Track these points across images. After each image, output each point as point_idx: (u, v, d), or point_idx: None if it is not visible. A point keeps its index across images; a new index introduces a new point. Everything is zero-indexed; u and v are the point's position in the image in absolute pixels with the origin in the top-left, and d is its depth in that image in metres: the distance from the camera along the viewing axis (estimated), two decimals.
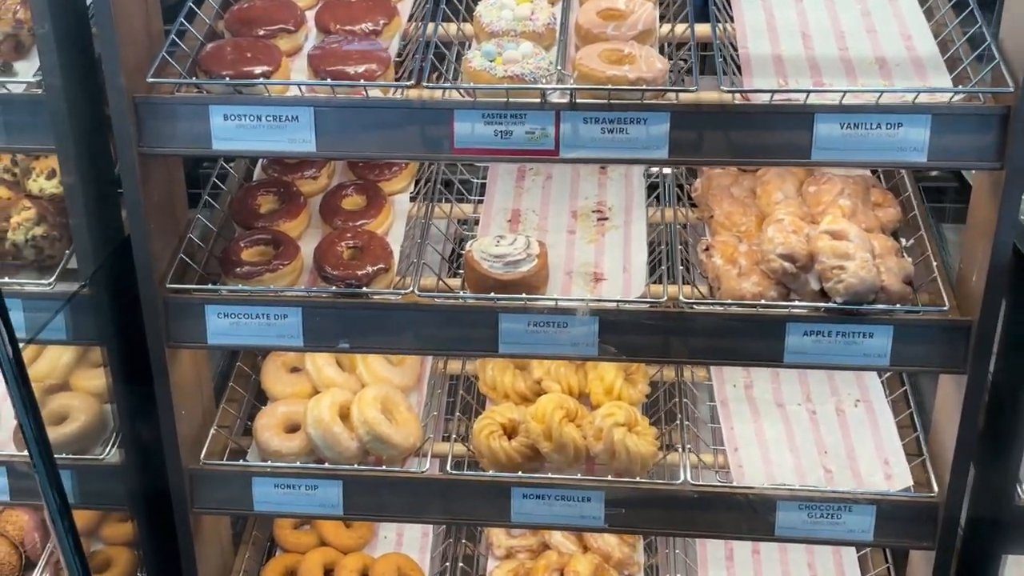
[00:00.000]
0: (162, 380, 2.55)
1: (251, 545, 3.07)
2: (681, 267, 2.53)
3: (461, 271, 2.61)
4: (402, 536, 3.13)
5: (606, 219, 2.76)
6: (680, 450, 2.68)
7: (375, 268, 2.50)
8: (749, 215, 2.59)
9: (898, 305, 2.34)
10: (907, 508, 2.54)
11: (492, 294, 2.43)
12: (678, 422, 2.76)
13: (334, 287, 2.48)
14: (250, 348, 2.90)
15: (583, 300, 2.42)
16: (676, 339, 2.42)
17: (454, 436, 2.76)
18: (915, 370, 2.69)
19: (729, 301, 2.39)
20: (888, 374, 2.89)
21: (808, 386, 2.91)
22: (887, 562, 2.92)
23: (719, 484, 2.59)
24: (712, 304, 2.40)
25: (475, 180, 2.94)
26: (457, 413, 2.85)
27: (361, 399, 2.71)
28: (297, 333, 2.50)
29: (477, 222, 2.79)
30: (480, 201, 2.86)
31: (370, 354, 2.81)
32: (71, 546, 2.45)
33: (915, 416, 2.74)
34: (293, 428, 2.79)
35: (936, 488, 2.53)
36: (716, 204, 2.63)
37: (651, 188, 2.83)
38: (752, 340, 2.40)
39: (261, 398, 2.93)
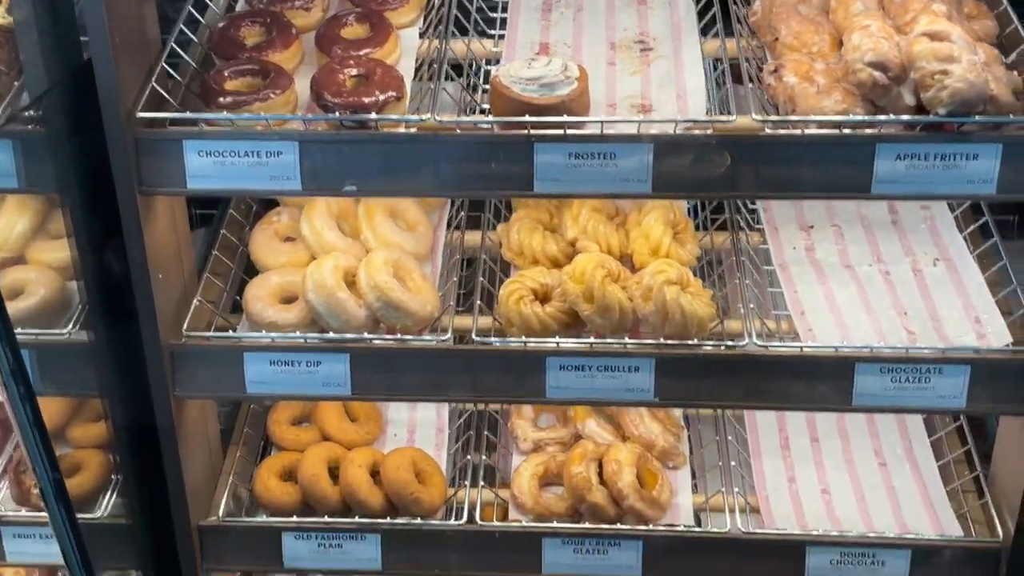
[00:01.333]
0: (134, 237, 2.15)
1: (242, 445, 2.69)
2: (749, 85, 2.16)
3: (486, 107, 2.23)
4: (414, 433, 2.76)
5: (650, 49, 2.37)
6: (742, 310, 2.32)
7: (385, 96, 2.11)
8: (822, 33, 2.21)
9: (1011, 116, 1.99)
10: (1008, 367, 2.20)
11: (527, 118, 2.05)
12: (737, 281, 2.40)
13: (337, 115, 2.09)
14: (237, 193, 2.52)
15: (636, 120, 2.04)
16: (746, 168, 2.04)
17: (478, 304, 2.39)
18: None
19: (810, 118, 2.02)
20: (971, 228, 2.54)
21: (877, 246, 2.55)
22: (965, 444, 2.59)
23: (790, 344, 2.24)
24: (789, 124, 2.03)
25: (495, 15, 2.55)
26: (481, 279, 2.47)
27: (370, 263, 2.33)
28: (294, 174, 2.10)
29: (498, 60, 2.41)
30: (502, 36, 2.48)
31: (381, 196, 2.43)
32: (36, 439, 2.07)
33: (1009, 271, 2.39)
34: (289, 299, 2.41)
35: None
36: (782, 23, 2.25)
37: (699, 15, 2.45)
38: (834, 167, 2.02)
39: (251, 272, 2.54)
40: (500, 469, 2.69)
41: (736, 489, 2.51)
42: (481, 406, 2.77)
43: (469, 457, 2.64)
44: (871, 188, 2.03)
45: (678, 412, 2.73)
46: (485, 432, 2.70)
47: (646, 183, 2.07)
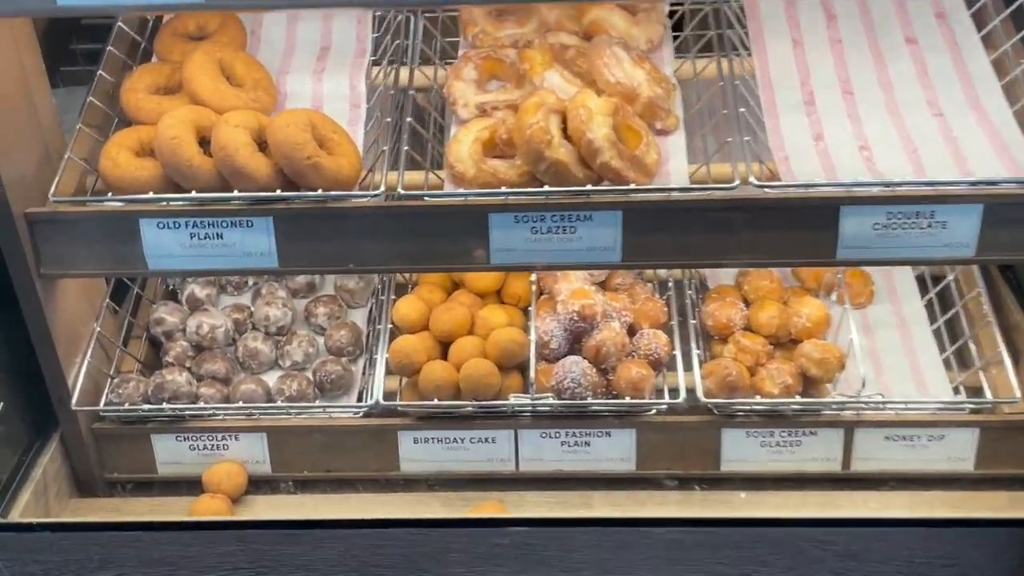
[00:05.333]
0: None
1: (93, 127, 2.04)
2: None
3: None
4: (321, 106, 2.10)
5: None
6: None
7: None
8: None
9: None
10: None
11: None
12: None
13: None
14: None
15: None
16: None
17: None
18: None
19: None
20: None
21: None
22: None
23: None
24: None
25: None
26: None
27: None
28: None
29: None
30: None
31: None
32: None
33: None
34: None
35: None
36: None
37: None
38: None
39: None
40: (432, 152, 2.06)
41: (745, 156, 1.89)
42: (408, 74, 2.11)
43: (393, 121, 2.00)
44: None
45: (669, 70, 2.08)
46: (411, 93, 2.05)
47: None
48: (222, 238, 1.91)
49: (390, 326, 2.19)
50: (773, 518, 1.86)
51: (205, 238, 1.91)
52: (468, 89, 2.05)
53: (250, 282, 2.40)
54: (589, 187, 1.82)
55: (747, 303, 2.19)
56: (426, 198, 1.85)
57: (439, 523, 1.91)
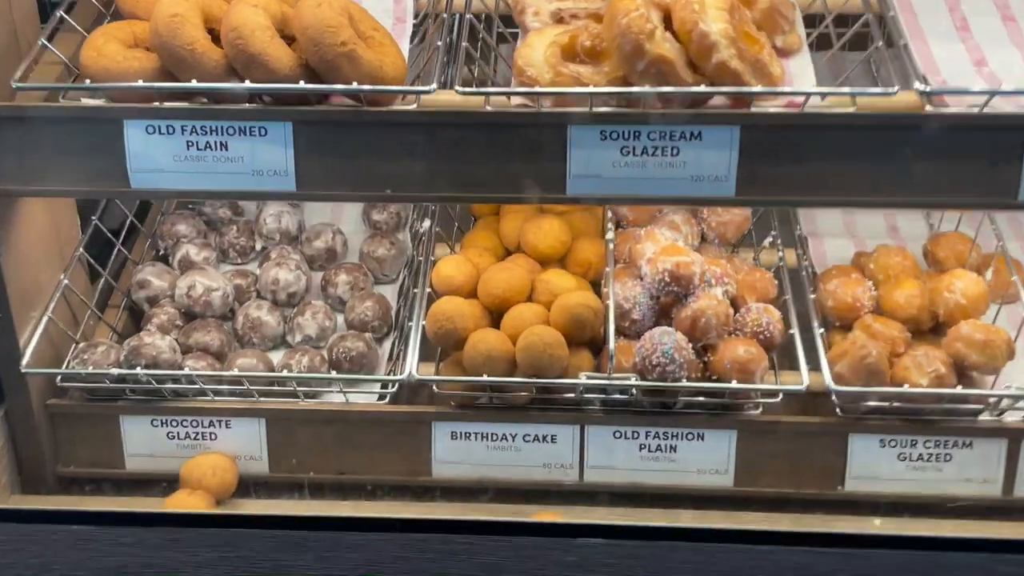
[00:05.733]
0: None
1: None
2: None
3: None
4: None
5: None
6: None
7: None
8: None
9: None
10: None
11: None
12: None
13: None
14: None
15: None
16: None
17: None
18: None
19: None
20: None
21: None
22: None
23: None
24: None
25: None
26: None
27: None
28: None
29: None
30: None
31: None
32: None
33: None
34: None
35: None
36: None
37: None
38: None
39: None
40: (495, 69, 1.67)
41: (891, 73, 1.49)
42: None
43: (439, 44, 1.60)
44: None
45: None
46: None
47: None
48: (226, 149, 1.50)
49: (428, 290, 1.76)
50: (946, 539, 1.40)
51: (205, 148, 1.50)
52: None
53: (258, 246, 1.98)
54: (705, 87, 1.41)
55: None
56: (490, 97, 1.45)
57: (483, 527, 1.45)
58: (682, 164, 1.47)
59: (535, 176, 1.49)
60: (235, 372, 1.69)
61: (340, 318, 1.86)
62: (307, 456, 1.73)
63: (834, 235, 1.97)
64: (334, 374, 1.70)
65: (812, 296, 1.72)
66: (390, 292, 1.92)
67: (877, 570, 1.42)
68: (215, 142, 1.51)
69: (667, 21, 1.51)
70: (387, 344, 1.83)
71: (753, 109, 1.45)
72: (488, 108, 1.47)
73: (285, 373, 1.70)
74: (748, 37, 1.53)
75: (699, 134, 1.46)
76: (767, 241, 1.83)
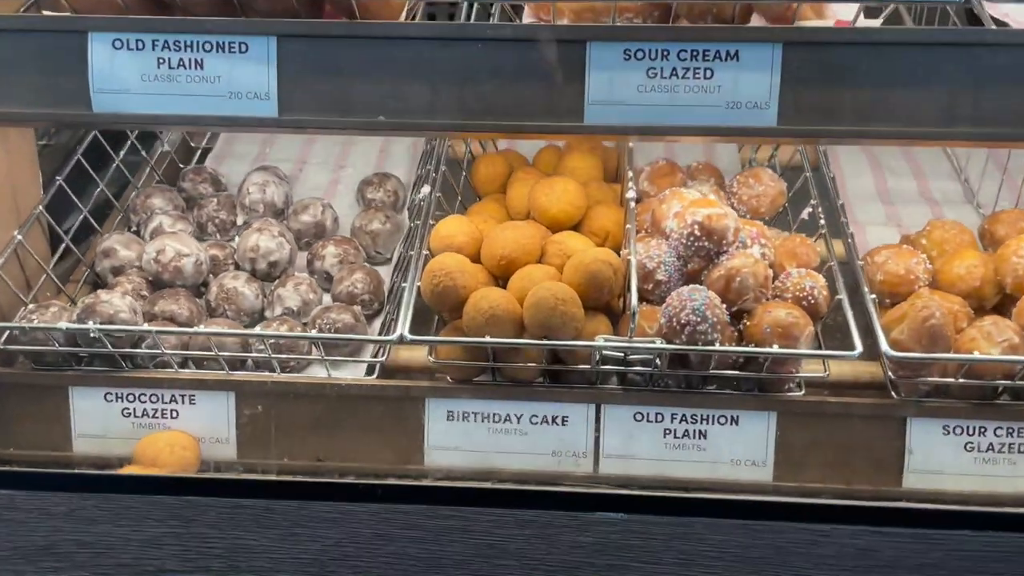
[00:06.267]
0: None
1: None
2: None
3: None
4: None
5: None
6: None
7: None
8: None
9: None
10: None
11: None
12: None
13: None
14: None
15: None
16: None
17: None
18: None
19: None
20: None
21: None
22: None
23: None
24: None
25: None
26: None
27: None
28: None
29: None
30: None
31: None
32: None
33: None
34: None
35: None
36: None
37: None
38: None
39: None
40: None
41: None
42: None
43: None
44: None
45: None
46: None
47: None
48: (201, 67, 1.33)
49: (426, 252, 1.57)
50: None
51: (178, 66, 1.33)
52: None
53: (239, 221, 1.80)
54: None
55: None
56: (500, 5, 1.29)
57: (476, 495, 1.23)
58: (716, 88, 1.29)
59: (550, 102, 1.32)
60: (200, 328, 1.49)
61: (328, 297, 1.66)
62: (281, 438, 1.51)
63: (877, 223, 1.79)
64: (314, 333, 1.50)
65: (860, 263, 1.53)
66: (384, 272, 1.73)
67: (951, 558, 1.20)
68: (189, 59, 1.34)
69: None
70: (378, 323, 1.63)
71: (797, 24, 1.29)
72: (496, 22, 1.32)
73: (258, 330, 1.49)
74: None
75: (736, 54, 1.28)
76: (806, 212, 1.64)
